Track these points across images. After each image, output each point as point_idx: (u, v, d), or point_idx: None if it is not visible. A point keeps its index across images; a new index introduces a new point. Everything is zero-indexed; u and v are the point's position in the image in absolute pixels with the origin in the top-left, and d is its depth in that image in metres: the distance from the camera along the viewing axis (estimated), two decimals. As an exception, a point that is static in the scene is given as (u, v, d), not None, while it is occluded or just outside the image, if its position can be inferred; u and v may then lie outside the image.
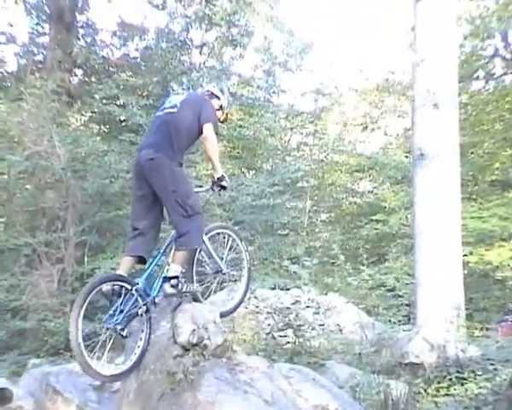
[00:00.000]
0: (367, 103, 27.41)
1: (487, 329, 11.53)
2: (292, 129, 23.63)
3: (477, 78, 21.70)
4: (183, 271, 6.29)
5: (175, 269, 6.13)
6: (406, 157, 20.39)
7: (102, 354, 5.75)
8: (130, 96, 17.95)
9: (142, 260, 6.34)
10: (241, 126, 19.63)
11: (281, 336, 9.61)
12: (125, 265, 6.22)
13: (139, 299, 5.95)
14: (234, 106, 19.69)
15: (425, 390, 7.85)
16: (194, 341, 5.78)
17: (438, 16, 10.70)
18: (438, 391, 7.85)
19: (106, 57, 20.77)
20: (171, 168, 6.19)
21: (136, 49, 21.35)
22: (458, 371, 8.16)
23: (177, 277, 6.11)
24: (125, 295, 5.90)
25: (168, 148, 6.24)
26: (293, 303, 10.11)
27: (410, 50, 12.71)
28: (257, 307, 10.46)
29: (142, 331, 5.94)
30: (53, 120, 16.54)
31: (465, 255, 13.24)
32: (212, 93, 6.99)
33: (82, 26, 20.95)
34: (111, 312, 5.79)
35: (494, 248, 15.58)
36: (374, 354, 9.08)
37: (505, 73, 21.70)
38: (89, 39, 21.04)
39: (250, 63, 22.36)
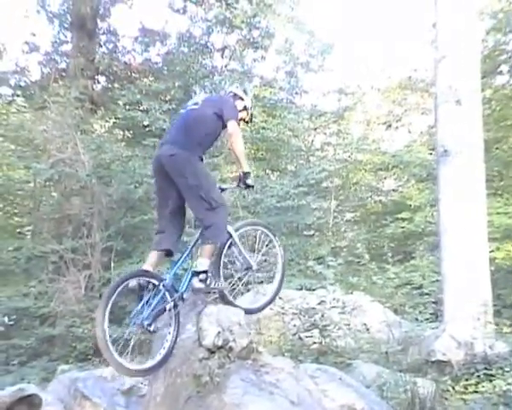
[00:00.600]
0: (390, 101, 27.29)
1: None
2: (315, 129, 23.56)
3: (500, 72, 21.49)
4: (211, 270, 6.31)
5: (203, 263, 6.17)
6: (430, 154, 20.26)
7: (130, 350, 5.81)
8: (153, 101, 17.99)
9: (169, 254, 6.41)
10: (264, 128, 19.60)
11: (307, 337, 9.62)
12: (151, 259, 6.29)
13: (167, 294, 6.01)
14: (256, 108, 19.70)
15: (453, 388, 7.81)
16: (220, 343, 5.81)
17: (459, 12, 10.64)
18: (466, 388, 7.80)
19: (128, 63, 20.89)
20: (192, 163, 6.23)
21: (158, 55, 21.44)
22: (486, 368, 8.11)
23: (205, 271, 6.16)
24: (153, 290, 5.94)
25: (188, 143, 6.28)
26: (319, 303, 10.11)
27: (432, 47, 12.63)
28: (282, 307, 10.47)
29: (170, 326, 5.98)
30: (77, 127, 16.64)
31: (492, 251, 13.12)
32: (236, 94, 7.04)
33: (104, 33, 21.08)
34: (138, 308, 5.86)
35: (521, 244, 15.45)
36: (401, 352, 9.04)
37: (529, 68, 21.51)
38: (111, 46, 21.17)
39: (272, 65, 22.47)
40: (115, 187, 16.26)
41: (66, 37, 20.73)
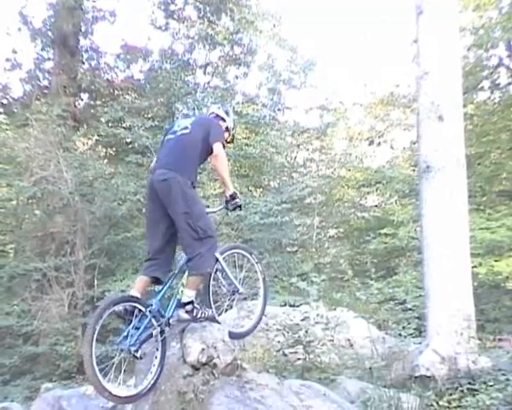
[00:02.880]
0: (372, 117, 27.45)
1: (500, 339, 11.48)
2: (298, 146, 23.62)
3: (482, 88, 21.67)
4: (199, 296, 6.37)
5: (189, 295, 6.16)
6: (413, 170, 20.37)
7: (116, 375, 5.77)
8: (136, 118, 18.03)
9: (158, 282, 6.36)
10: (247, 145, 19.66)
11: (291, 353, 9.61)
12: (140, 284, 6.27)
13: (153, 320, 5.98)
14: (239, 125, 19.75)
15: (437, 403, 7.80)
16: (204, 360, 5.80)
17: (440, 28, 10.69)
18: (449, 403, 7.80)
19: (110, 80, 20.89)
20: (184, 190, 6.17)
21: (141, 71, 21.52)
22: (470, 383, 8.12)
23: (191, 302, 6.14)
24: (139, 316, 5.91)
25: (182, 169, 6.23)
26: (303, 320, 10.10)
27: (414, 63, 12.71)
28: (267, 324, 10.45)
29: (157, 350, 5.96)
30: (59, 144, 16.64)
31: (474, 267, 13.19)
32: (218, 115, 7.03)
33: (86, 50, 21.10)
34: (125, 333, 5.83)
35: (503, 259, 15.52)
36: (384, 368, 9.04)
37: (510, 83, 21.64)
38: (93, 63, 21.21)
39: (254, 81, 22.61)
40: (98, 204, 16.25)
41: (48, 54, 20.73)
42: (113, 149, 20.12)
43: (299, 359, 9.42)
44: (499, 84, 21.63)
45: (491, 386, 7.79)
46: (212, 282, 6.56)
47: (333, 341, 10.17)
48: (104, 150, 20.58)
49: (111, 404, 7.66)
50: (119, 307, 5.80)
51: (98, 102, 21.03)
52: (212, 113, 7.13)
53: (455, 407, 7.71)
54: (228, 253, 6.89)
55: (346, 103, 25.72)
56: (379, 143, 26.90)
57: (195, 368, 5.80)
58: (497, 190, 20.27)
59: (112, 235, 16.33)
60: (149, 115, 19.39)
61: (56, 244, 16.23)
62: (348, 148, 26.06)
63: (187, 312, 6.14)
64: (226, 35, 21.11)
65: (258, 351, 9.72)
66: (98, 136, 19.72)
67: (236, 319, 7.89)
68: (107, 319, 5.77)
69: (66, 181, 15.85)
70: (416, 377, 8.45)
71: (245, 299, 7.40)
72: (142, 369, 6.09)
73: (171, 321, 6.19)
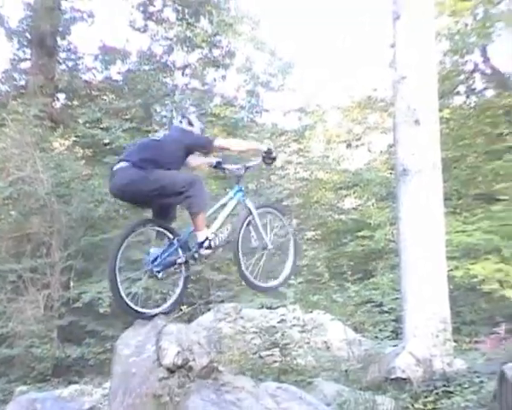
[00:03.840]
0: (350, 120, 27.52)
1: (476, 342, 11.53)
2: (276, 148, 23.57)
3: (458, 93, 21.84)
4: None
5: (201, 234, 6.70)
6: (390, 173, 20.44)
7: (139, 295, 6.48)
8: (114, 120, 17.94)
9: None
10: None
11: (268, 356, 9.61)
12: None
13: (179, 250, 6.66)
14: (217, 126, 19.74)
15: (412, 405, 7.84)
16: (180, 363, 5.79)
17: (417, 33, 10.76)
18: (425, 406, 7.83)
19: (88, 81, 20.81)
20: (150, 180, 6.54)
21: (119, 73, 21.42)
22: (445, 385, 8.16)
23: (206, 239, 6.69)
24: (168, 243, 6.65)
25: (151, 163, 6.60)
26: (280, 322, 10.13)
27: (391, 67, 12.77)
28: (243, 326, 10.45)
29: (180, 279, 6.71)
30: (36, 145, 16.49)
31: (451, 270, 13.25)
32: (184, 130, 7.16)
33: (64, 51, 20.99)
34: (150, 258, 6.53)
35: (480, 262, 15.60)
36: (361, 370, 9.07)
37: (485, 88, 21.88)
38: (70, 63, 21.11)
39: (233, 84, 22.49)
40: (75, 206, 16.13)
41: (25, 54, 20.60)
42: (91, 150, 19.99)
43: (275, 361, 9.43)
44: (475, 89, 21.84)
45: (466, 388, 7.85)
46: (241, 233, 7.08)
47: (309, 343, 10.19)
48: (81, 151, 20.45)
49: (87, 406, 7.69)
50: (154, 227, 6.58)
51: (76, 103, 20.93)
52: (177, 127, 7.27)
53: (430, 410, 7.77)
54: (261, 210, 7.51)
55: (324, 106, 25.78)
56: (356, 146, 27.01)
57: (171, 371, 5.79)
58: (473, 193, 20.38)
59: (89, 236, 16.21)
60: (127, 117, 19.30)
61: (32, 245, 16.09)
62: (326, 150, 26.12)
63: (206, 248, 6.68)
64: (205, 37, 21.10)
65: (234, 354, 9.71)
66: (75, 137, 19.59)
67: (213, 321, 7.93)
68: (135, 237, 6.46)
69: (42, 182, 15.73)
70: (391, 380, 8.49)
71: (222, 301, 7.54)
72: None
73: (196, 255, 6.76)
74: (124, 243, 6.09)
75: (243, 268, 7.12)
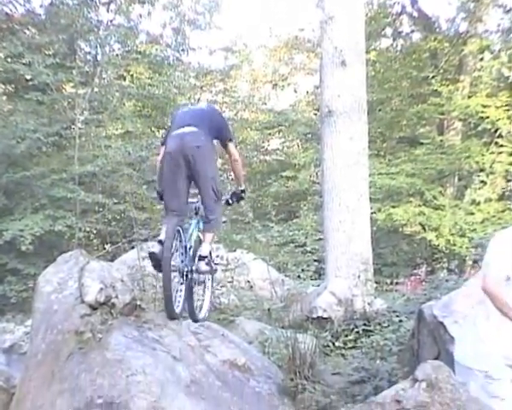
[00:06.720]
0: (276, 60, 27.46)
1: (396, 283, 11.78)
2: (202, 87, 23.46)
3: (385, 35, 21.94)
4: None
5: (207, 249, 6.54)
6: (315, 114, 20.53)
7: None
8: (36, 55, 17.43)
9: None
10: (150, 85, 19.37)
11: (191, 294, 9.63)
12: None
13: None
14: (142, 64, 19.46)
15: (333, 343, 8.00)
16: (102, 299, 5.72)
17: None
18: (345, 344, 8.01)
19: (9, 14, 20.13)
20: (212, 156, 6.60)
21: (41, 6, 20.73)
22: (365, 324, 8.34)
23: (209, 254, 6.61)
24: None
25: (208, 135, 6.51)
26: (202, 260, 10.12)
27: (319, 8, 12.72)
28: (167, 265, 10.43)
29: (181, 290, 6.54)
30: (-46, 80, 16.02)
31: (373, 213, 13.46)
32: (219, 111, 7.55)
33: (-19, -19, 20.24)
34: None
35: (402, 205, 15.89)
36: (283, 309, 9.15)
37: (412, 31, 22.02)
38: (-10, -5, 20.37)
39: (158, 21, 22.06)
40: (-4, 142, 15.75)
41: None
42: (12, 85, 19.44)
43: (198, 299, 9.46)
44: (402, 31, 21.94)
45: (386, 327, 8.02)
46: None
47: (232, 282, 10.25)
48: (2, 87, 19.89)
49: (8, 344, 7.59)
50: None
51: (-4, 36, 20.30)
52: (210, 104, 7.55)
53: (350, 348, 7.92)
54: None
55: (251, 46, 25.65)
56: (282, 87, 27.01)
57: (93, 308, 5.71)
58: (398, 136, 20.69)
59: (10, 173, 15.87)
60: (50, 52, 18.75)
61: (-50, 182, 15.73)
62: (252, 90, 26.08)
63: (206, 264, 6.52)
64: (131, -29, 20.65)
65: (157, 292, 9.70)
66: (-4, 71, 19.05)
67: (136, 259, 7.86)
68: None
69: (-40, 117, 15.32)
70: (313, 319, 8.60)
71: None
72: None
73: (193, 268, 6.53)
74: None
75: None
